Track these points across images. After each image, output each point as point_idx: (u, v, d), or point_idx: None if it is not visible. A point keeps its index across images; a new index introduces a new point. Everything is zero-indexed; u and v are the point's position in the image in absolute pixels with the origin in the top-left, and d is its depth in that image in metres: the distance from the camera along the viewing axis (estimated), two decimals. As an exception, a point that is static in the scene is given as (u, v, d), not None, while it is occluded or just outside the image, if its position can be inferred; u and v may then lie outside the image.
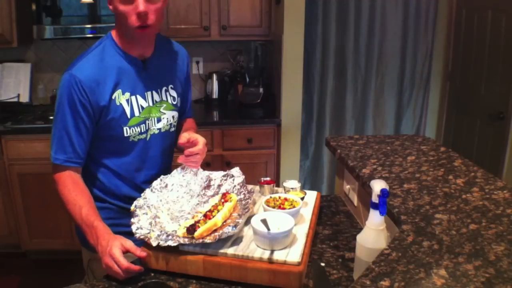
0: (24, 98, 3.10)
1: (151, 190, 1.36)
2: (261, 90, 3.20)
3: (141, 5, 1.26)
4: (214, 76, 3.36)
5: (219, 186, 1.45)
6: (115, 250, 1.16)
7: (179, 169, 1.48)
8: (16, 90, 3.09)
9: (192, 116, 1.72)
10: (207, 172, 1.50)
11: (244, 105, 3.23)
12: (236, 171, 1.46)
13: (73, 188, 1.32)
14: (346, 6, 3.34)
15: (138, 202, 1.31)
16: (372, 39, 3.44)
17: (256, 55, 3.27)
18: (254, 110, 3.20)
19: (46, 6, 2.87)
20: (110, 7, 1.32)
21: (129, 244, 1.19)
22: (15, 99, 3.07)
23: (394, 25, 3.42)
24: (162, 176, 1.42)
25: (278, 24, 3.02)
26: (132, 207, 1.29)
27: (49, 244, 2.99)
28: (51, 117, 1.81)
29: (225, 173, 1.48)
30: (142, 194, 1.35)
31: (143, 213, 1.26)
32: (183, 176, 1.46)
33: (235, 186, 1.42)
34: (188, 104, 1.68)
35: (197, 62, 3.45)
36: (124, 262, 1.14)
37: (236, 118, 3.13)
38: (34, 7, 2.83)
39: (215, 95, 3.38)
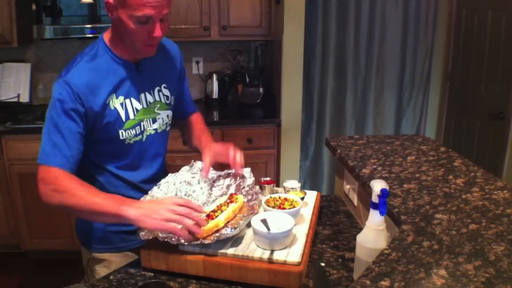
0: (24, 98, 3.10)
1: (158, 187, 1.37)
2: (261, 90, 3.20)
3: (158, 31, 1.25)
4: (214, 76, 3.36)
5: (228, 186, 1.43)
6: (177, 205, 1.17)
7: (187, 167, 1.48)
8: (16, 90, 3.09)
9: (196, 110, 1.71)
10: (215, 171, 1.49)
11: (244, 105, 3.23)
12: (247, 171, 1.45)
13: (75, 182, 1.27)
14: (346, 6, 3.34)
15: (145, 199, 1.31)
16: (372, 39, 3.43)
17: (256, 55, 3.27)
18: (254, 110, 3.20)
19: (46, 6, 2.87)
20: (110, 14, 1.27)
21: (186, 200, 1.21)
22: (15, 99, 3.07)
23: (394, 25, 3.42)
24: (170, 174, 1.44)
25: (278, 24, 3.02)
26: None
27: (49, 244, 2.99)
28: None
29: (233, 171, 1.47)
30: (149, 192, 1.36)
31: None
32: (191, 174, 1.46)
33: (244, 187, 1.40)
34: (188, 100, 1.67)
35: (197, 62, 3.45)
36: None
37: (236, 118, 3.13)
38: (34, 7, 2.83)
39: (215, 95, 3.38)
